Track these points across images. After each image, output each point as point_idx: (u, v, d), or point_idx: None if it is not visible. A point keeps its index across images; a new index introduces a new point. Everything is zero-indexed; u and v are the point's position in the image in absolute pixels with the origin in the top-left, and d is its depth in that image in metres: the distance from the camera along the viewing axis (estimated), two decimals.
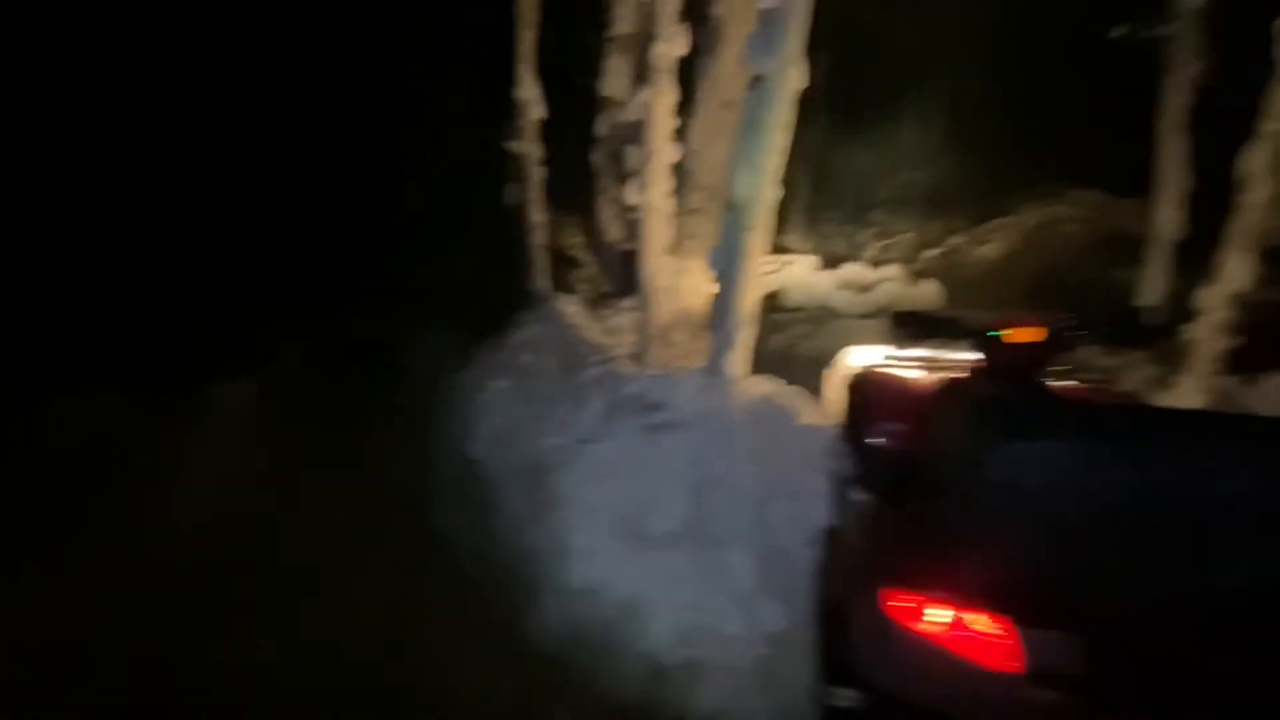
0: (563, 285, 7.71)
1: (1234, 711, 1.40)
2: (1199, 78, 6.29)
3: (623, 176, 6.13)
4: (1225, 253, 5.75)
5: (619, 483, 3.50)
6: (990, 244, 15.06)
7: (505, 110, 7.04)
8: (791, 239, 16.55)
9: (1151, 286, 6.78)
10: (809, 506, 3.11)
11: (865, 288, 12.69)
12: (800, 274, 13.07)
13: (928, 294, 12.40)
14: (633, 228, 5.74)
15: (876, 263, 14.60)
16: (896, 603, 1.62)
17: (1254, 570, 1.36)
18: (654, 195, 4.76)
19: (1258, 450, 1.44)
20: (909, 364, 3.88)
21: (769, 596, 2.81)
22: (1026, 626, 1.48)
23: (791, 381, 4.45)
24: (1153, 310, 6.73)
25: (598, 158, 7.04)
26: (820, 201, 16.57)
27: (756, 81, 3.80)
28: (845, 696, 1.90)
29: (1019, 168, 14.45)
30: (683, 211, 5.89)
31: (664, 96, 4.56)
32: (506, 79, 6.79)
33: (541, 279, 6.89)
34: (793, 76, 3.52)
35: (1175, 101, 6.27)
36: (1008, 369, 2.84)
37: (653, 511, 3.43)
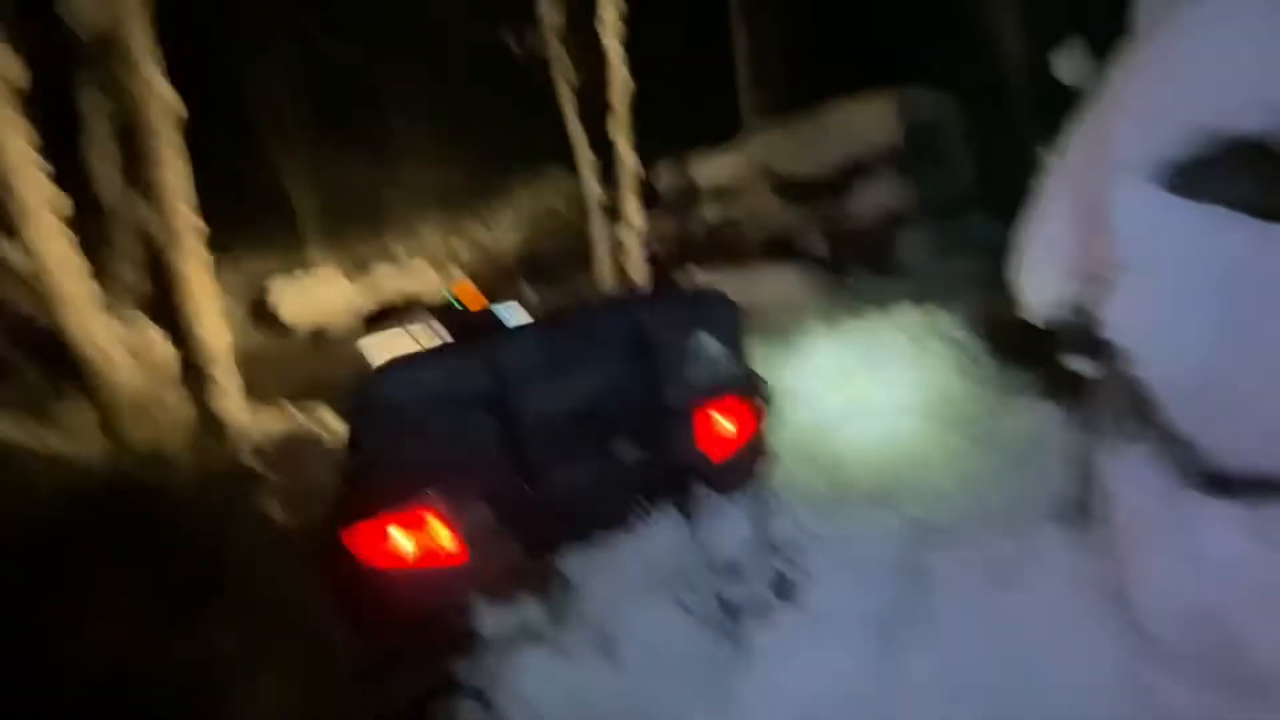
0: None
1: (596, 502, 2.08)
2: (572, 75, 8.21)
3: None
4: (626, 203, 7.91)
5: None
6: (500, 228, 17.17)
7: None
8: (312, 257, 15.50)
9: (599, 233, 8.75)
10: None
11: (403, 294, 12.94)
12: (330, 293, 12.50)
13: (459, 284, 13.37)
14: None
15: (406, 263, 14.98)
16: (357, 544, 1.83)
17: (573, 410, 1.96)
18: (48, 247, 3.81)
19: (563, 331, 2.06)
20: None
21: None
22: (454, 515, 1.87)
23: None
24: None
25: None
26: (334, 213, 15.92)
27: None
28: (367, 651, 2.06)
29: (507, 156, 16.69)
30: (112, 259, 4.92)
31: (8, 129, 3.63)
32: None
33: None
34: (160, 97, 3.24)
35: (563, 92, 8.07)
36: (462, 326, 3.35)
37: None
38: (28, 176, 3.61)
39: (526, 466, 1.88)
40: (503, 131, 14.79)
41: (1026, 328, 4.35)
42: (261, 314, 12.38)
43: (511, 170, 16.91)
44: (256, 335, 12.09)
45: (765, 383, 2.30)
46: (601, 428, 1.99)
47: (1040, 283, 2.10)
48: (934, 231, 8.24)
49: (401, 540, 1.82)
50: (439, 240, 16.30)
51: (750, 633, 2.43)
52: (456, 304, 3.13)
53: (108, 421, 4.28)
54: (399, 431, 1.76)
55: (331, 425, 4.28)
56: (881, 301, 5.30)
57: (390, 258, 14.98)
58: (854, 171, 8.56)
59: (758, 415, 2.27)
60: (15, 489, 4.01)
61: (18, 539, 3.37)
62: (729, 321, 2.17)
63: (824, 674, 2.30)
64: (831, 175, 8.55)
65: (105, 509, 3.36)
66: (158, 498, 3.39)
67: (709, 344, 2.07)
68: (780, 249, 9.21)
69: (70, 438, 4.96)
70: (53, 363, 5.49)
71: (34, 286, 4.06)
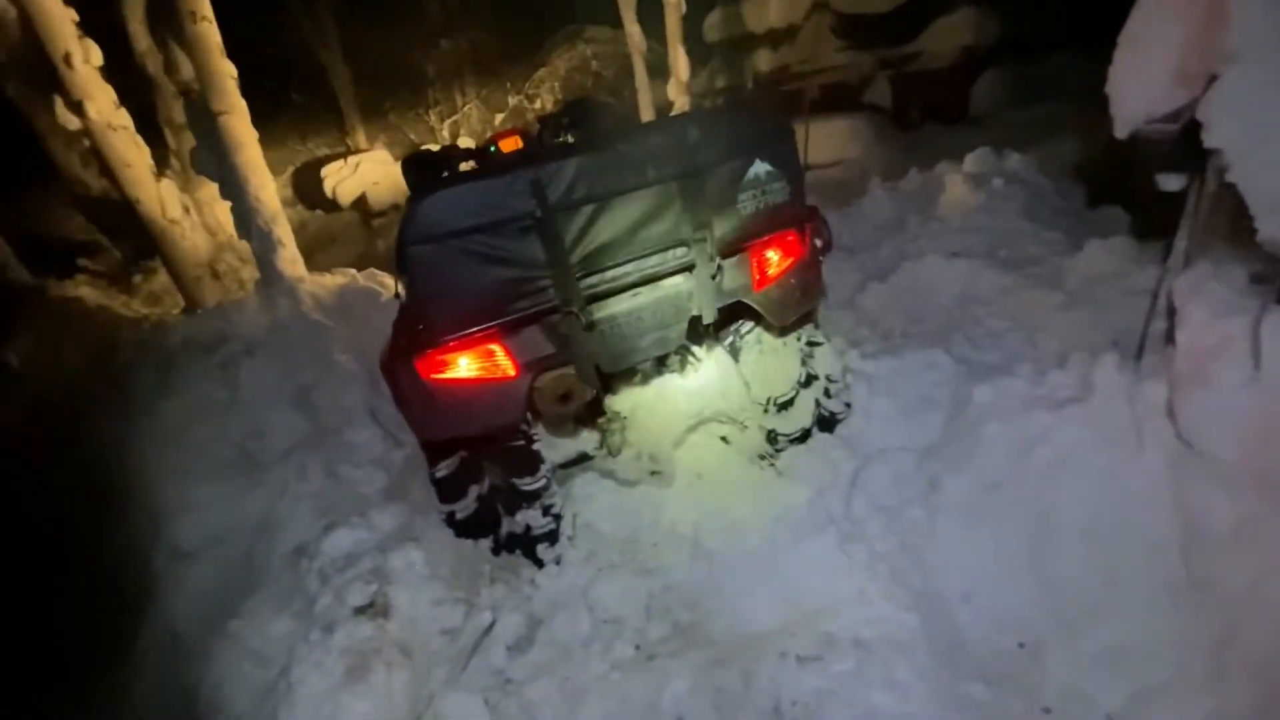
0: (61, 272, 6.00)
1: (643, 333, 2.10)
2: None
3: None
4: (673, 51, 7.29)
5: (204, 431, 3.19)
6: (539, 97, 16.44)
7: None
8: (356, 139, 15.47)
9: (643, 92, 8.22)
10: None
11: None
12: (377, 172, 12.45)
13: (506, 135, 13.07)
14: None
15: (453, 138, 14.73)
16: (425, 367, 1.94)
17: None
18: (98, 111, 3.85)
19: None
20: None
21: (394, 444, 3.03)
22: (506, 337, 1.95)
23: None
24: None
25: (13, 89, 5.29)
26: (372, 94, 15.61)
27: None
28: (443, 466, 2.26)
29: (540, 18, 15.59)
30: (168, 126, 4.96)
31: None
32: None
33: (13, 270, 5.22)
34: None
35: None
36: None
37: (265, 438, 3.25)
38: (65, 36, 3.57)
39: (572, 294, 1.91)
40: None
41: (1106, 167, 4.01)
42: (312, 197, 12.54)
43: (550, 31, 15.88)
44: (310, 216, 12.34)
45: (821, 217, 2.20)
46: (649, 254, 1.97)
47: (1138, 89, 1.88)
48: (1014, 75, 7.39)
49: (466, 364, 1.93)
50: (479, 112, 15.79)
51: (793, 461, 2.56)
52: (493, 149, 3.01)
53: (180, 284, 4.55)
54: (449, 258, 1.78)
55: (385, 283, 4.42)
56: (950, 151, 4.92)
57: (434, 136, 14.71)
58: (926, 6, 7.60)
59: (812, 251, 2.20)
60: (102, 347, 4.40)
61: (105, 389, 3.71)
62: (783, 145, 2.04)
63: (862, 496, 2.42)
64: (900, 11, 7.61)
65: (178, 359, 3.61)
66: (225, 345, 3.61)
67: (763, 169, 1.98)
68: (840, 99, 8.48)
69: (150, 301, 5.33)
70: (132, 237, 5.77)
71: (97, 154, 4.16)
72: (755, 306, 2.22)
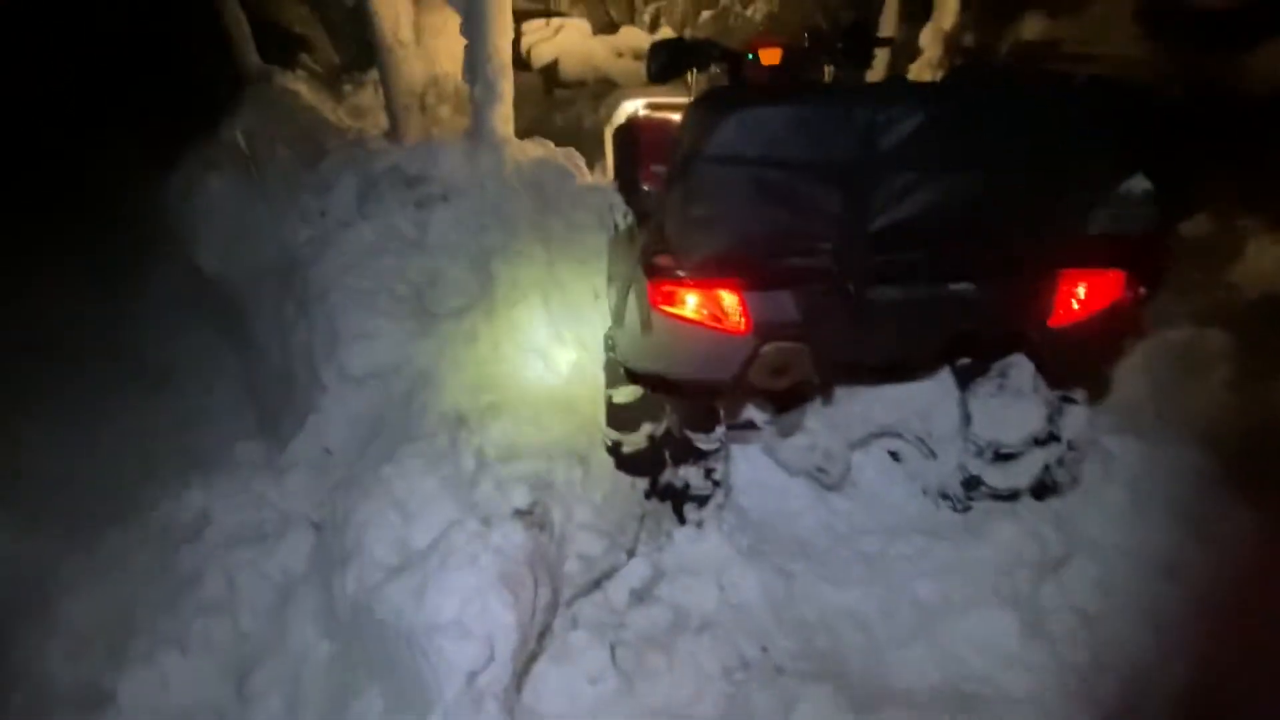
0: (283, 62, 6.24)
1: (896, 333, 1.79)
2: None
3: None
4: None
5: (391, 263, 3.23)
6: (754, 3, 15.16)
7: None
8: (559, 2, 15.01)
9: (888, 31, 7.26)
10: (597, 258, 3.16)
11: (643, 55, 12.19)
12: (574, 42, 12.05)
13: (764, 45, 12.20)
14: None
15: (652, 26, 14.01)
16: (655, 294, 1.75)
17: (915, 208, 1.58)
18: None
19: (920, 105, 1.57)
20: (672, 106, 3.85)
21: (560, 341, 2.94)
22: (752, 290, 1.69)
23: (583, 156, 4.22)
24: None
25: None
26: None
27: None
28: (623, 393, 2.12)
29: None
30: None
31: None
32: None
33: (248, 53, 5.46)
34: None
35: None
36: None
37: (439, 289, 3.27)
38: None
39: (854, 267, 1.61)
40: None
41: None
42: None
43: None
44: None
45: (1166, 264, 1.74)
46: (952, 246, 1.63)
47: None
48: None
49: (695, 304, 1.72)
50: (685, 3, 14.85)
51: (988, 519, 2.22)
52: (751, 56, 2.60)
53: (390, 108, 4.57)
54: (735, 185, 1.52)
55: (577, 164, 4.21)
56: (1255, 204, 3.98)
57: (634, 18, 14.03)
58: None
59: (1135, 301, 1.76)
60: (308, 146, 4.53)
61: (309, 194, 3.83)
62: (1181, 158, 1.58)
63: (1056, 587, 2.08)
64: (1242, 12, 6.08)
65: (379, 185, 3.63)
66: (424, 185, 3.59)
67: (1141, 187, 1.54)
68: None
69: (353, 113, 5.47)
70: (351, 45, 5.88)
71: None
72: (1038, 345, 1.83)
